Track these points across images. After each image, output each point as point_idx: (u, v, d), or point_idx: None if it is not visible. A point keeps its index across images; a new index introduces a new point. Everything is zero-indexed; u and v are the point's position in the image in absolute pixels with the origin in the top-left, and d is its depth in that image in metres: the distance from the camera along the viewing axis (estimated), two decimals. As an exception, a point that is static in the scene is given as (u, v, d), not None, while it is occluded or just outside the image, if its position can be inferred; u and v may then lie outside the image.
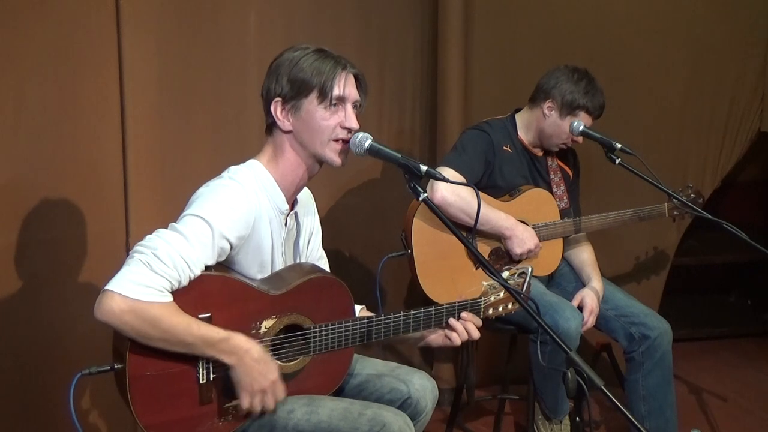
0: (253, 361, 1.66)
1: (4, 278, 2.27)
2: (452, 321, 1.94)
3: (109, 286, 1.54)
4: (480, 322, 1.97)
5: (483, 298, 2.00)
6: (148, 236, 1.63)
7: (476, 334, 1.95)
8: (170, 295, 1.59)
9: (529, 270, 1.99)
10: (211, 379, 1.69)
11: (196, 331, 1.61)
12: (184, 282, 1.61)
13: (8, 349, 2.29)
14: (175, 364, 1.64)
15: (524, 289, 1.95)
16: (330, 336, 1.80)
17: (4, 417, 2.30)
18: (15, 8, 2.22)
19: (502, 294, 2.02)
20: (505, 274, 1.97)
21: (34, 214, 2.31)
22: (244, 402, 1.69)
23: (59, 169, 2.34)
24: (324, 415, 1.73)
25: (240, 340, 1.66)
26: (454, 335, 1.94)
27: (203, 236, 1.64)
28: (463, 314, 1.95)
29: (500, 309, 2.04)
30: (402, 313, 1.88)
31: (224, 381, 1.70)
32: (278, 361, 1.75)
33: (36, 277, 2.33)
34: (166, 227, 1.66)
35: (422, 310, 1.91)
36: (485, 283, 2.01)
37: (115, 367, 1.63)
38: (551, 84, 2.62)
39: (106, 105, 2.40)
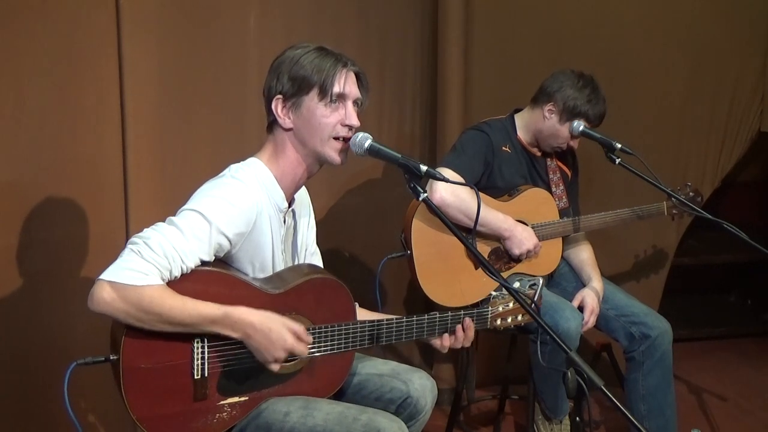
0: (258, 333, 1.65)
1: (5, 278, 2.28)
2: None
3: (100, 276, 1.55)
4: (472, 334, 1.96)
5: (490, 308, 1.98)
6: (145, 229, 1.64)
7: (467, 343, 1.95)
8: (161, 280, 1.58)
9: (540, 281, 1.98)
10: (206, 374, 1.68)
11: (192, 310, 1.60)
12: (176, 272, 1.61)
13: (8, 349, 2.29)
14: (171, 357, 1.64)
15: (536, 299, 1.93)
16: (329, 338, 1.80)
17: (4, 416, 2.30)
18: (15, 8, 2.22)
19: (511, 305, 2.00)
20: (516, 285, 1.95)
21: (34, 213, 2.31)
22: (270, 368, 1.70)
23: (59, 169, 2.34)
24: (319, 419, 1.73)
25: (241, 313, 1.65)
26: (445, 343, 1.94)
27: (199, 230, 1.64)
28: (466, 320, 1.93)
29: (509, 320, 2.02)
30: (405, 319, 1.88)
31: (220, 377, 1.70)
32: (292, 323, 1.70)
33: (36, 277, 2.33)
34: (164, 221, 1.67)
35: (426, 317, 1.89)
36: (493, 293, 1.99)
37: (111, 358, 1.63)
38: (555, 87, 2.61)
39: (106, 105, 2.40)
